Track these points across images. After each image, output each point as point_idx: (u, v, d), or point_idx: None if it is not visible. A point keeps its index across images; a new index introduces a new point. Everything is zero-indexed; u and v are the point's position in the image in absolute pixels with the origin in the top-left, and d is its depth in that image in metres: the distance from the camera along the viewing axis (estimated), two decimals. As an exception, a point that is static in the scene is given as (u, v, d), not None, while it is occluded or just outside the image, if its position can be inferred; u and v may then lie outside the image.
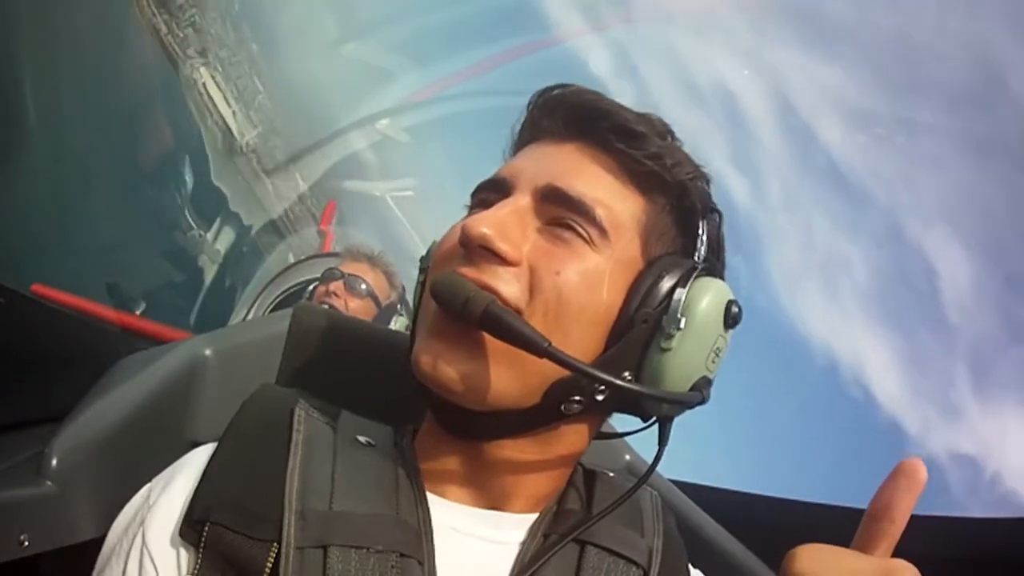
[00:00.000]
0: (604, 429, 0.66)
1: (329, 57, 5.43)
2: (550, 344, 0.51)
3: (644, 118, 0.61)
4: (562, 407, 0.56)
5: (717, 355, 0.57)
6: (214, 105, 3.74)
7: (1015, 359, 4.57)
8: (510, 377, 0.54)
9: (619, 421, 0.67)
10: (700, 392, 0.56)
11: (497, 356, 0.54)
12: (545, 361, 0.52)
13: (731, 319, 0.57)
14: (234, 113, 3.76)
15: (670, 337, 0.54)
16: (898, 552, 0.45)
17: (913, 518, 0.44)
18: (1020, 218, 4.20)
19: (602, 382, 0.54)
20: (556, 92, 0.63)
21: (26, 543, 0.56)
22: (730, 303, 0.57)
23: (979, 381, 4.64)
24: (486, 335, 0.53)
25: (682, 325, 0.54)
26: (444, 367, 0.55)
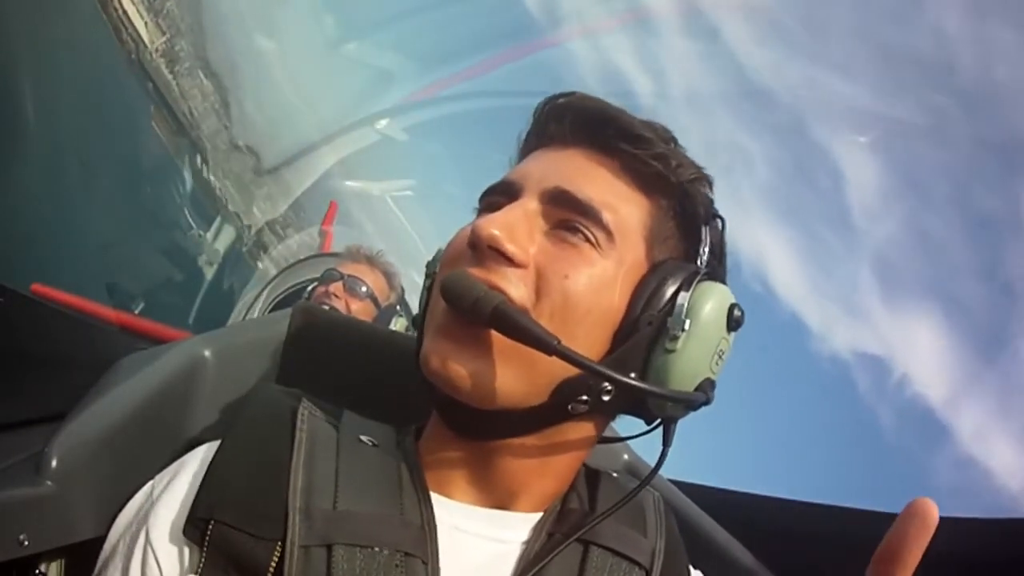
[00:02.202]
0: (606, 433, 0.66)
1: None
2: (559, 342, 0.52)
3: (648, 124, 0.62)
4: (569, 407, 0.56)
5: (720, 357, 0.58)
6: (128, 19, 3.68)
7: (922, 264, 4.57)
8: (518, 376, 0.55)
9: (621, 424, 0.67)
10: (704, 393, 0.57)
11: (505, 355, 0.54)
12: (553, 361, 0.52)
13: (734, 322, 0.58)
14: (145, 24, 3.71)
15: (675, 339, 0.55)
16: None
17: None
18: (930, 128, 4.17)
19: (610, 380, 0.54)
20: (562, 100, 0.64)
21: (25, 543, 0.56)
22: (732, 306, 0.58)
23: (884, 284, 4.63)
24: (495, 334, 0.54)
25: (686, 327, 0.55)
26: (453, 365, 0.55)
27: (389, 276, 2.00)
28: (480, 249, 0.56)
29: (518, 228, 0.57)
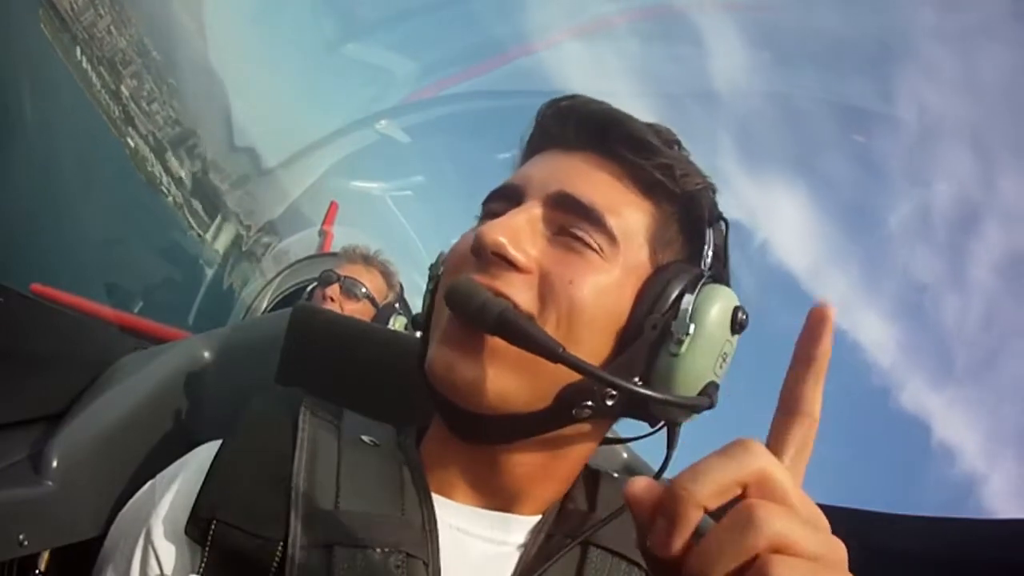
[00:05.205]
0: (608, 434, 0.66)
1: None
2: (564, 349, 0.51)
3: (652, 128, 0.61)
4: (573, 411, 0.56)
5: (724, 360, 0.58)
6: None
7: (786, 137, 4.57)
8: (522, 382, 0.55)
9: (623, 425, 0.67)
10: (709, 397, 0.56)
11: (509, 361, 0.54)
12: (557, 366, 0.52)
13: (738, 325, 0.57)
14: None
15: (679, 343, 0.55)
16: (895, 550, 0.44)
17: (924, 520, 0.43)
18: (801, 10, 4.18)
19: (615, 386, 0.53)
20: (566, 102, 0.64)
21: (25, 542, 0.56)
22: (736, 309, 0.57)
23: (747, 153, 4.55)
24: (499, 341, 0.53)
25: (691, 331, 0.55)
26: (458, 373, 0.55)
27: (387, 275, 2.00)
28: (484, 256, 0.56)
29: (522, 233, 0.56)
